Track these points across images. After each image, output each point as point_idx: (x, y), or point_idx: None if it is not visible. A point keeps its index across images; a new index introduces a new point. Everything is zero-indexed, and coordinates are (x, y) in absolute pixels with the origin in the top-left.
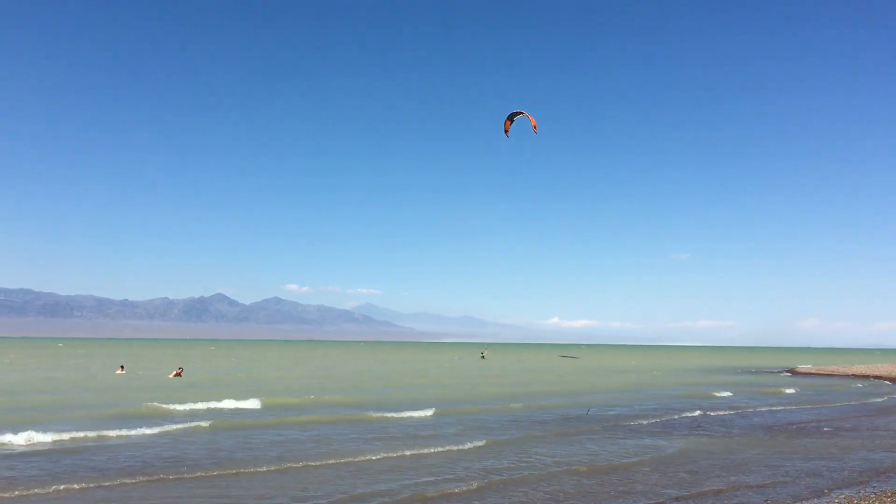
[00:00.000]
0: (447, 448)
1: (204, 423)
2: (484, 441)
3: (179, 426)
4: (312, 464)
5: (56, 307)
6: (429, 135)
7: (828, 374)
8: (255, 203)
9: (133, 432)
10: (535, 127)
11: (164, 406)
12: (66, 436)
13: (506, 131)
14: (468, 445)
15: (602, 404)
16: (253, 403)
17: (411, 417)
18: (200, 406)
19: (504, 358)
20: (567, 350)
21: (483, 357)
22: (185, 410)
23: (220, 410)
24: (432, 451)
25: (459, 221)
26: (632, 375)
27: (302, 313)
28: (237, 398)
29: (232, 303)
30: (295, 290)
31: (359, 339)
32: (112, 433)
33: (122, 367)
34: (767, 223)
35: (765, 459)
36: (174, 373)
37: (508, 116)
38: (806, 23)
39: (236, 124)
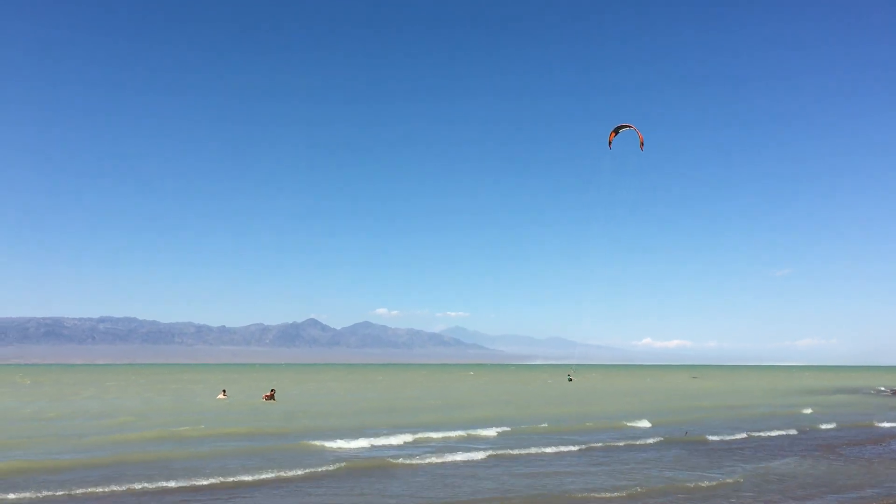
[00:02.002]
0: (708, 483)
1: (460, 457)
2: (739, 476)
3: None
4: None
5: (158, 334)
6: (515, 157)
7: None
8: (344, 230)
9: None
10: (642, 143)
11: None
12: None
13: (609, 143)
14: (730, 479)
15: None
16: (455, 432)
17: (645, 444)
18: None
19: (633, 381)
20: (693, 371)
21: (570, 380)
22: (414, 439)
23: (428, 441)
24: (692, 485)
25: (547, 242)
26: (811, 397)
27: (391, 337)
28: (443, 430)
29: (324, 328)
30: (384, 314)
31: (449, 361)
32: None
33: (224, 391)
34: (870, 236)
35: None
36: (267, 394)
37: (614, 129)
38: None
39: (325, 155)
